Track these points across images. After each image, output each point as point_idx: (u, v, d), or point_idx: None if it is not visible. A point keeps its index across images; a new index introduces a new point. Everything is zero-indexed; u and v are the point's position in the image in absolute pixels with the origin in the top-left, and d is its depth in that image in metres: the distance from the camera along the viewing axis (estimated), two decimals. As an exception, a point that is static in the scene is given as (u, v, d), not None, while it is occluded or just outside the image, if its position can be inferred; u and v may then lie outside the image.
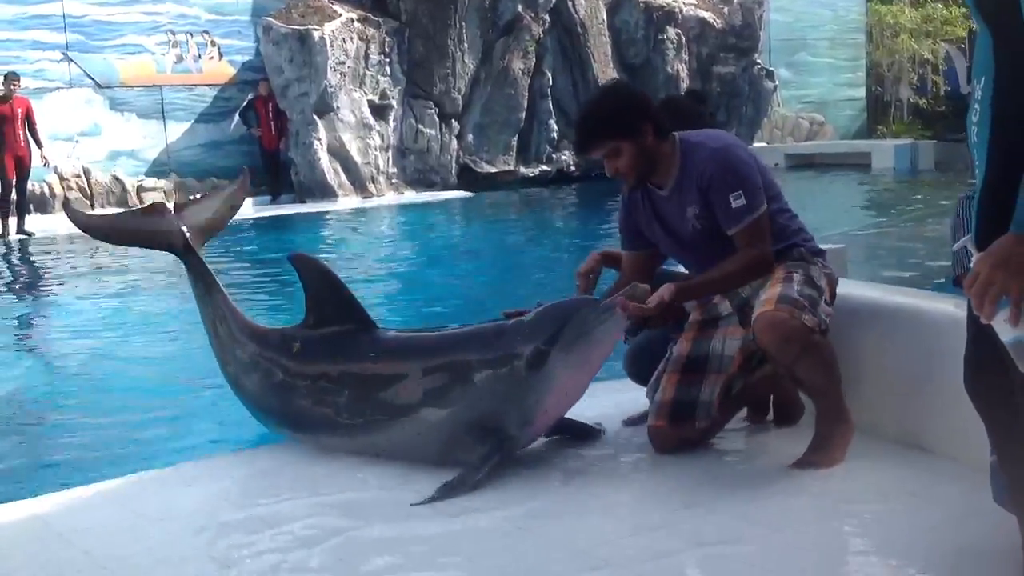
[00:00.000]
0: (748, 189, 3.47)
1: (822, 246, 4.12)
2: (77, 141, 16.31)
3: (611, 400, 4.19)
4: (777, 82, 22.23)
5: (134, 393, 5.42)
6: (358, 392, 3.80)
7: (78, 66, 16.43)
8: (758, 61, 21.84)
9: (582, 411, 4.03)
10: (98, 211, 15.71)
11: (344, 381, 3.85)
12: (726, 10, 21.63)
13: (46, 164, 14.79)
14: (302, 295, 4.01)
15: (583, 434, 3.88)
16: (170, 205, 4.56)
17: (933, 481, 3.20)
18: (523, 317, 3.63)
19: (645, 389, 3.81)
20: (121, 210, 7.67)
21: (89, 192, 16.15)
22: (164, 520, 3.31)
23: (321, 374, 3.91)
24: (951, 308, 3.43)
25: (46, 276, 11.32)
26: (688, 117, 3.89)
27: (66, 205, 4.61)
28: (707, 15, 21.23)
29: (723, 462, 3.54)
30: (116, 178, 16.41)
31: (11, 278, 11.45)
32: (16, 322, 8.64)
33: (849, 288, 3.82)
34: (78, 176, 16.14)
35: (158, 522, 3.30)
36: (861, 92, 25.05)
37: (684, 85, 20.45)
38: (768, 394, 3.84)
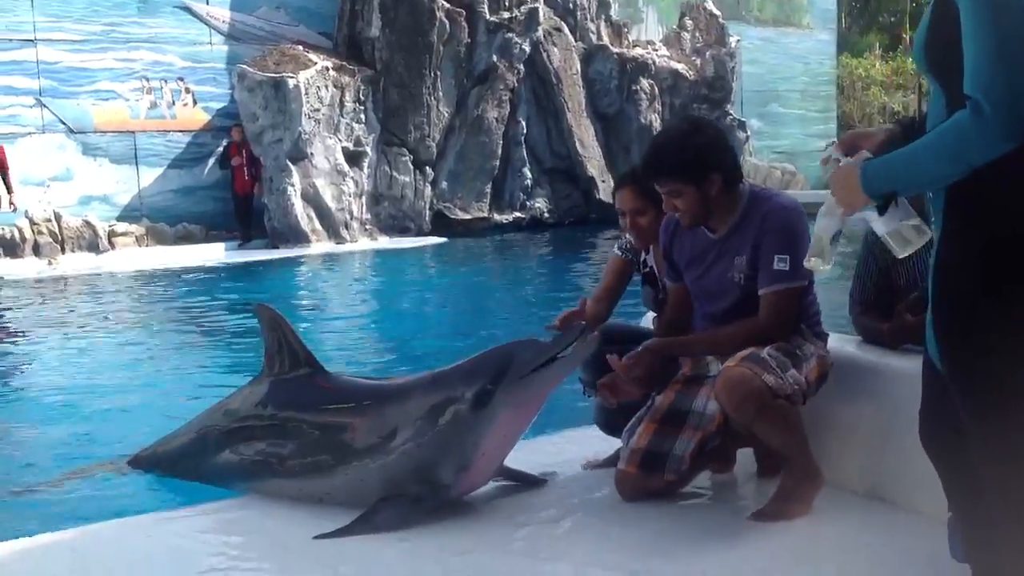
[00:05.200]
0: (796, 257, 3.35)
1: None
2: (48, 186, 16.25)
3: (577, 448, 4.16)
4: (749, 132, 22.45)
5: (91, 445, 5.35)
6: (306, 438, 3.88)
7: (51, 111, 16.41)
8: (730, 112, 22.05)
9: (549, 458, 4.02)
10: (68, 256, 15.69)
11: (292, 428, 3.93)
12: (699, 62, 21.88)
13: (14, 209, 14.77)
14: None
15: (528, 483, 3.87)
16: None
17: (892, 533, 3.18)
18: (460, 362, 3.66)
19: (604, 437, 3.80)
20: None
21: (60, 237, 16.05)
22: (106, 571, 3.26)
23: (272, 421, 4.02)
24: (912, 362, 3.43)
25: (13, 321, 11.19)
26: None
27: None
28: (680, 67, 21.46)
29: (685, 513, 3.51)
30: (87, 223, 16.33)
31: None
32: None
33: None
34: (49, 221, 16.05)
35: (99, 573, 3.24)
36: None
37: (657, 135, 20.62)
38: (734, 448, 3.80)
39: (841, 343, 3.71)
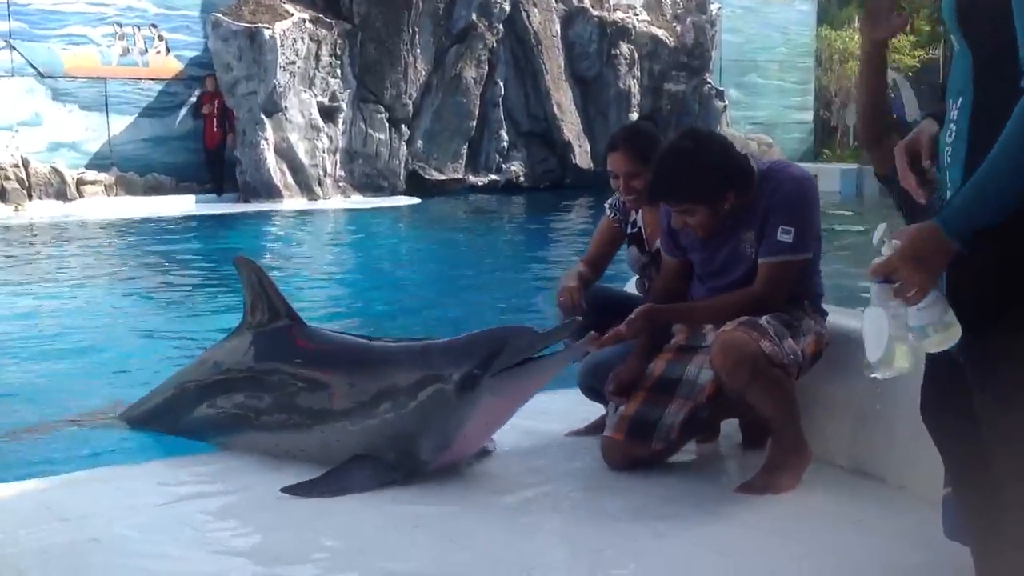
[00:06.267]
0: (801, 230, 3.33)
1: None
2: (17, 131, 15.93)
3: (560, 414, 4.11)
4: (727, 102, 22.39)
5: (57, 394, 5.24)
6: (285, 393, 3.81)
7: (21, 54, 16.06)
8: (709, 80, 21.97)
9: (533, 422, 3.97)
10: (35, 202, 15.43)
11: (272, 381, 3.87)
12: (679, 28, 21.76)
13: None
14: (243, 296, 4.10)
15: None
16: None
17: (882, 510, 3.16)
18: (453, 339, 3.59)
19: (590, 401, 3.76)
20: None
21: (27, 183, 15.76)
22: (82, 519, 3.18)
23: (252, 374, 3.96)
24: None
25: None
26: (656, 142, 3.78)
27: None
28: (660, 32, 21.33)
29: (670, 483, 3.46)
30: (55, 169, 16.04)
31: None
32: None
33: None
34: (16, 166, 15.74)
35: (75, 520, 3.17)
36: (809, 116, 25.32)
37: (636, 101, 20.53)
38: (720, 418, 3.76)
39: (836, 316, 3.66)
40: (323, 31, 17.42)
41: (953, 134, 2.09)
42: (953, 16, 2.08)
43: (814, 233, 3.42)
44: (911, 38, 23.04)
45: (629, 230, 4.01)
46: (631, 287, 4.26)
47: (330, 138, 17.63)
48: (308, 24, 17.23)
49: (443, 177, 18.86)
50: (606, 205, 4.07)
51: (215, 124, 16.95)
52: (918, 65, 22.34)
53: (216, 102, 16.93)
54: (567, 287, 3.83)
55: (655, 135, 3.77)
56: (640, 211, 3.94)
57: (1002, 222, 1.95)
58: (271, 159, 16.87)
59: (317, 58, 17.36)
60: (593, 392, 3.81)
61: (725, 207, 3.39)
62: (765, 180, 3.43)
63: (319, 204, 17.01)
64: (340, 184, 17.84)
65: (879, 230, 2.03)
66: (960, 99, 2.08)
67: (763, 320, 3.28)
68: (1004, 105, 1.94)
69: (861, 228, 14.92)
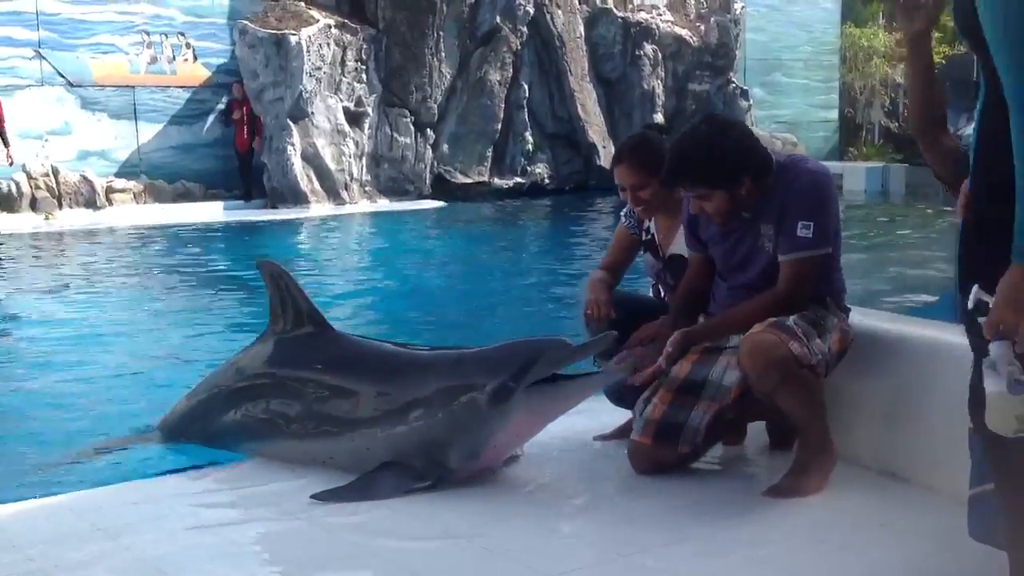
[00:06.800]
0: (820, 224, 3.35)
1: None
2: (47, 140, 16.07)
3: (586, 419, 4.13)
4: (751, 101, 22.30)
5: (88, 403, 5.30)
6: (313, 400, 3.82)
7: (50, 64, 16.21)
8: (733, 80, 21.90)
9: (560, 426, 4.00)
10: (65, 211, 15.59)
11: (299, 388, 3.87)
12: (703, 28, 21.70)
13: (11, 163, 14.69)
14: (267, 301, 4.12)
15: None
16: None
17: (909, 512, 3.16)
18: (487, 348, 3.59)
19: (613, 407, 3.79)
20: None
21: (57, 192, 15.91)
22: (119, 533, 3.23)
23: (280, 381, 3.96)
24: (932, 334, 3.41)
25: (8, 276, 11.11)
26: (662, 151, 3.74)
27: None
28: (684, 32, 21.29)
29: (697, 486, 3.48)
30: (85, 178, 16.17)
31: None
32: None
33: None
34: (46, 175, 15.89)
35: (111, 533, 3.22)
36: (834, 114, 25.17)
37: (660, 101, 20.50)
38: (749, 420, 3.77)
39: (860, 316, 3.67)
40: (348, 36, 17.51)
41: (973, 136, 2.11)
42: (957, 23, 2.11)
43: (833, 227, 3.43)
44: (936, 34, 22.84)
45: (644, 237, 4.03)
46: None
47: (356, 143, 17.72)
48: (334, 30, 17.33)
49: (468, 180, 18.90)
50: (621, 213, 4.10)
51: (244, 130, 17.07)
52: (943, 61, 22.12)
53: (245, 108, 17.05)
54: (596, 299, 3.84)
55: (661, 144, 3.74)
56: (654, 218, 3.95)
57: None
58: (298, 165, 16.96)
59: (343, 63, 17.45)
60: (619, 398, 3.83)
61: (741, 192, 3.39)
62: (783, 172, 3.44)
63: (346, 209, 17.08)
64: (366, 188, 17.92)
65: (973, 293, 2.02)
66: (979, 102, 2.10)
67: (790, 321, 3.30)
68: (1006, 111, 1.96)
69: (888, 221, 14.87)
